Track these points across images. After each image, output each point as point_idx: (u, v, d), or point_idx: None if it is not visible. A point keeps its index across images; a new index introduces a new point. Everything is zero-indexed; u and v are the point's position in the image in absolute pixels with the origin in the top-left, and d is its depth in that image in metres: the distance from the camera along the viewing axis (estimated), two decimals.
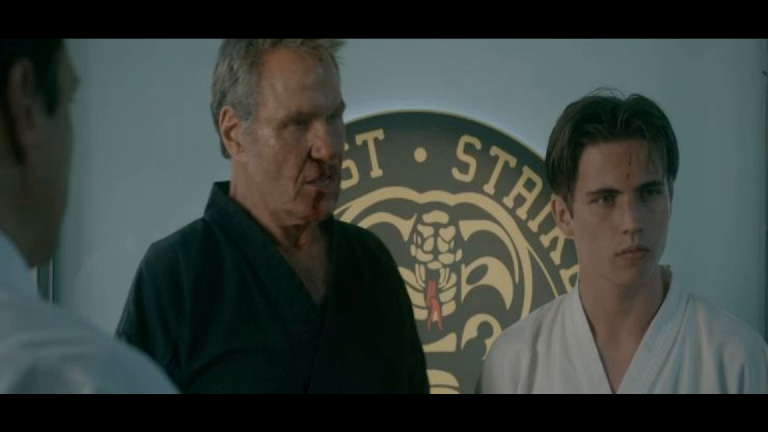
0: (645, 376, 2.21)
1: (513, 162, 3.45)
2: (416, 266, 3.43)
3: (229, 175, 2.18)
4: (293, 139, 2.08)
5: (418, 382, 2.28)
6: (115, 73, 3.40)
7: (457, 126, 3.44)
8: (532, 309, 3.17)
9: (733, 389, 2.20)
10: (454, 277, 3.44)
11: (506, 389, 2.29)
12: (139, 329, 2.09)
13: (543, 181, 3.36)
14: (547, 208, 3.24)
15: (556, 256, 3.44)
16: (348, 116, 2.24)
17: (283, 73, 2.08)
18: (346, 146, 2.48)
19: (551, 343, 2.28)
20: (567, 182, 2.21)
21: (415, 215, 3.44)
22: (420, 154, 3.45)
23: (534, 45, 3.35)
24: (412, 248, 3.43)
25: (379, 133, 3.44)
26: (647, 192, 2.18)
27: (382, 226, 3.37)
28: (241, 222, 2.14)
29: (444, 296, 3.44)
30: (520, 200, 3.45)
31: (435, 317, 3.43)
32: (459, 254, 3.44)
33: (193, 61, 3.07)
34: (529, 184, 3.45)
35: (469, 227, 3.44)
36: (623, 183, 2.17)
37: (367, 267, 2.23)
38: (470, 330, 3.43)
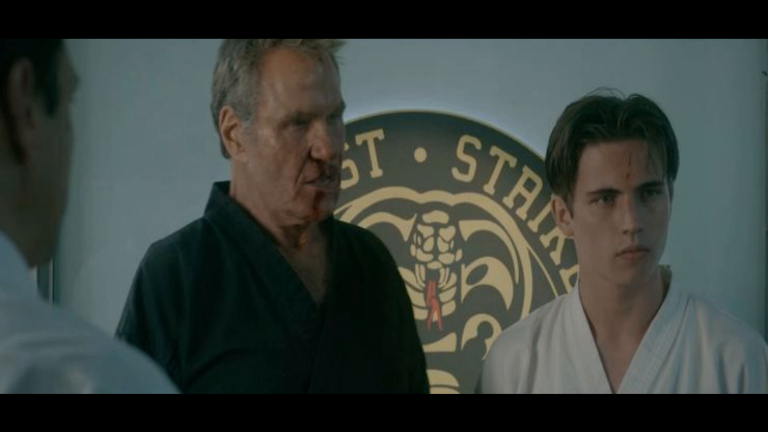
0: (645, 376, 2.21)
1: (513, 162, 3.44)
2: (416, 266, 3.43)
3: (229, 175, 2.18)
4: (293, 139, 2.08)
5: (418, 382, 2.28)
6: (115, 73, 3.40)
7: (457, 126, 3.44)
8: (532, 309, 3.17)
9: (733, 389, 2.20)
10: (454, 277, 3.43)
11: (506, 389, 2.29)
12: (139, 329, 2.09)
13: (543, 181, 3.36)
14: (547, 208, 3.24)
15: (556, 256, 3.44)
16: (348, 116, 2.24)
17: (283, 73, 2.08)
18: (346, 146, 2.48)
19: (551, 343, 2.28)
20: (567, 182, 2.21)
21: (415, 215, 3.44)
22: (420, 154, 3.45)
23: (534, 45, 3.35)
24: (412, 248, 3.43)
25: (379, 133, 3.44)
26: (647, 192, 2.18)
27: (382, 226, 3.37)
28: (241, 222, 2.14)
29: (444, 296, 3.44)
30: (520, 200, 3.45)
31: (435, 317, 3.43)
32: (459, 254, 3.44)
33: (193, 61, 3.07)
34: (529, 184, 3.45)
35: (469, 227, 3.44)
36: (623, 183, 2.16)
37: (367, 267, 2.23)
38: (470, 330, 3.43)
